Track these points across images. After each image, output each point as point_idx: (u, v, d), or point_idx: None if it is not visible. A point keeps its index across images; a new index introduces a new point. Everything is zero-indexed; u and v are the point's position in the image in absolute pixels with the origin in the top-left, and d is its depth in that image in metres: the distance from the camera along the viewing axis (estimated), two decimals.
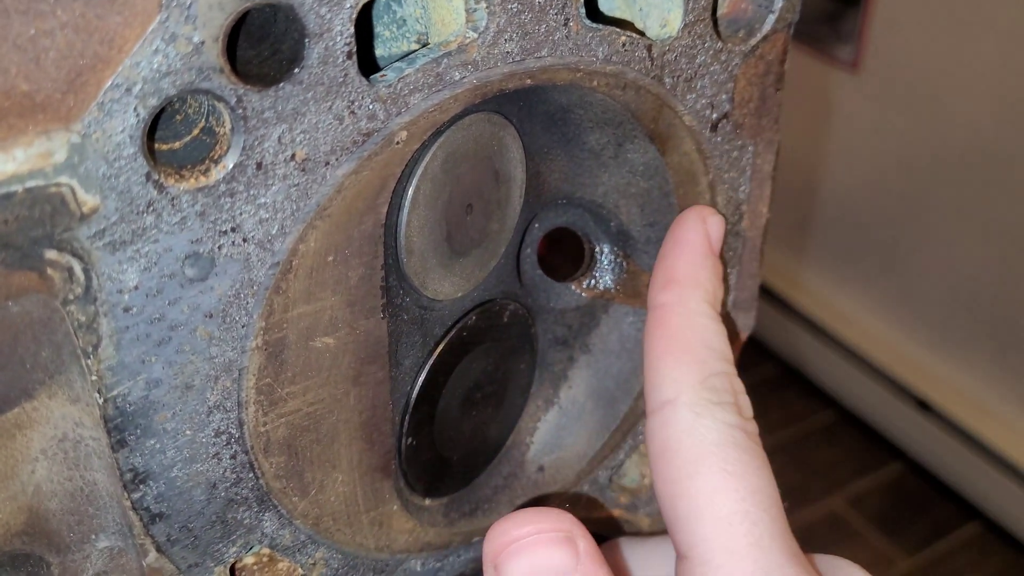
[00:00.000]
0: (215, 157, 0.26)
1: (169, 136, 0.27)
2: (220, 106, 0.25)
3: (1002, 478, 1.90)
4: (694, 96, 0.33)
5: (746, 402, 0.32)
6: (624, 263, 0.38)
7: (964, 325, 1.97)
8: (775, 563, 0.28)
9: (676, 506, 0.29)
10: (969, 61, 1.76)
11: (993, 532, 1.94)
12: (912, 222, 1.97)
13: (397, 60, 0.28)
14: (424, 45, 0.32)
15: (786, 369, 2.21)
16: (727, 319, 0.40)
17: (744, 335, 0.41)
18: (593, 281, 0.38)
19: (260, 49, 0.27)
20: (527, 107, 0.33)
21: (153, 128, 0.25)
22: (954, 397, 2.00)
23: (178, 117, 0.27)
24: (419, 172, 0.30)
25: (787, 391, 2.18)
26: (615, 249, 0.38)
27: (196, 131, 0.27)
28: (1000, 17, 1.70)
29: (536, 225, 0.37)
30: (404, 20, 0.32)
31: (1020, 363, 1.89)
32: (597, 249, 0.38)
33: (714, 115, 0.34)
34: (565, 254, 0.39)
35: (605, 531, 0.42)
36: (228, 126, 0.26)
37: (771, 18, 0.34)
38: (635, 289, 0.38)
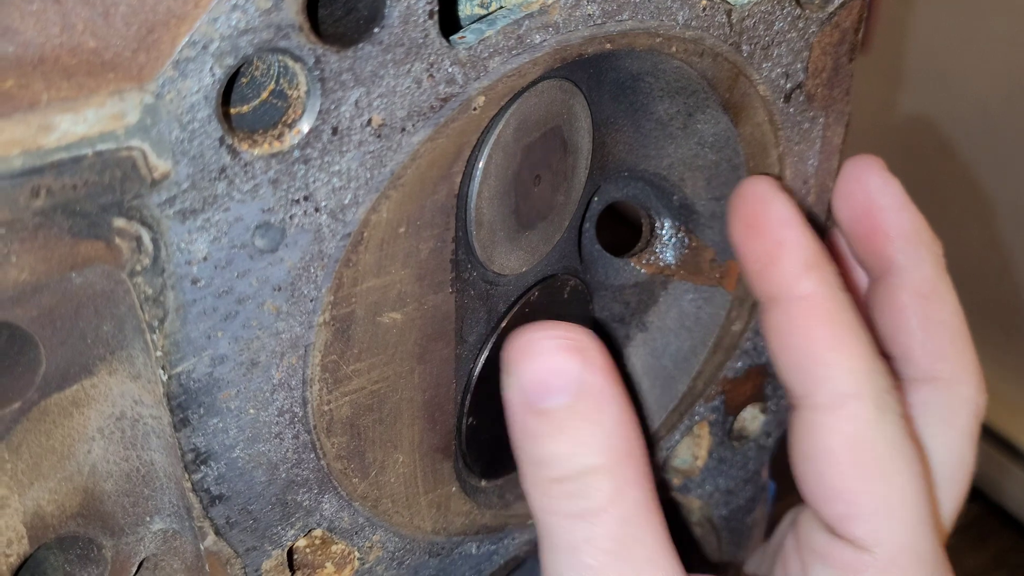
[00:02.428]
0: (288, 121, 0.25)
1: (236, 100, 0.25)
2: (297, 67, 0.24)
3: (1004, 460, 1.90)
4: (770, 64, 0.32)
5: None
6: (686, 238, 0.37)
7: (969, 306, 1.97)
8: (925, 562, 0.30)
9: (859, 502, 0.30)
10: (980, 43, 1.75)
11: (993, 514, 1.93)
12: (916, 202, 1.96)
13: (473, 22, 0.27)
14: (487, 9, 0.30)
15: None
16: None
17: None
18: (653, 257, 0.37)
19: (332, 8, 0.25)
20: (596, 75, 0.32)
21: (227, 90, 0.23)
22: None
23: (244, 80, 0.25)
24: (492, 140, 0.29)
25: None
26: (677, 224, 0.36)
27: (265, 94, 0.25)
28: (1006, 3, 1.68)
29: (596, 199, 0.36)
30: None
31: (1023, 344, 1.88)
32: (658, 224, 0.37)
33: (788, 85, 0.33)
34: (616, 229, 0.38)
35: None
36: (303, 89, 0.24)
37: None
38: (697, 265, 0.37)
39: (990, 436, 1.87)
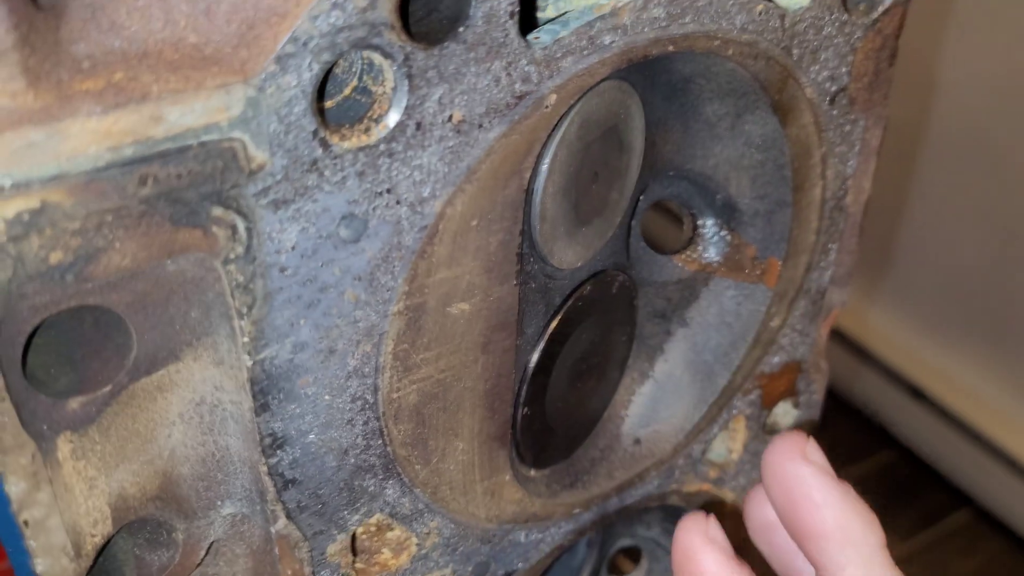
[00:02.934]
0: (375, 116, 0.26)
1: (320, 95, 0.26)
2: (385, 64, 0.25)
3: (993, 466, 1.92)
4: (817, 68, 0.33)
5: None
6: (728, 236, 0.38)
7: (958, 313, 1.99)
8: None
9: None
10: (968, 52, 1.77)
11: (984, 520, 1.95)
12: (907, 209, 1.98)
13: (547, 23, 0.28)
14: (543, 12, 0.31)
15: None
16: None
17: (837, 311, 0.41)
18: (696, 254, 0.38)
19: (414, 7, 0.26)
20: (651, 76, 0.33)
21: (322, 85, 0.24)
22: (947, 385, 2.01)
23: (327, 75, 0.26)
24: (558, 138, 0.30)
25: None
26: (719, 222, 0.38)
27: (348, 90, 0.26)
28: (1000, 8, 1.71)
29: (643, 197, 0.37)
30: None
31: (1014, 351, 1.90)
32: (700, 222, 0.38)
33: (833, 88, 0.34)
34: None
35: (695, 504, 0.42)
36: (390, 85, 0.25)
37: None
38: (738, 263, 0.38)
39: (979, 441, 1.89)
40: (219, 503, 0.30)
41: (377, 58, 0.25)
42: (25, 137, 0.21)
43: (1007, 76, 1.71)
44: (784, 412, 0.43)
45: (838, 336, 2.11)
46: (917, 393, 2.03)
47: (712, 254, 0.38)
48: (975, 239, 1.88)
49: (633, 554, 0.47)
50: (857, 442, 2.18)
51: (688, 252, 0.38)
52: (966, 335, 1.97)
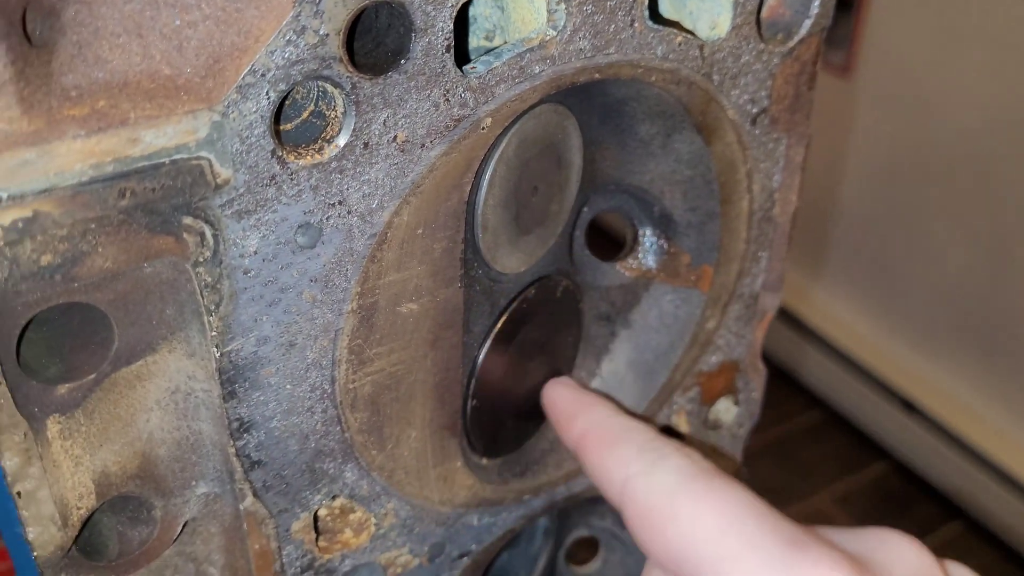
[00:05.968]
0: (327, 137, 0.29)
1: (281, 118, 0.30)
2: (336, 92, 0.28)
3: (984, 478, 1.95)
4: (738, 92, 0.37)
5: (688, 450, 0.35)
6: (666, 245, 0.41)
7: (951, 327, 2.02)
8: (774, 555, 0.31)
9: (669, 548, 0.33)
10: (959, 67, 1.81)
11: (975, 531, 1.98)
12: (900, 225, 2.02)
13: (482, 54, 0.32)
14: (491, 42, 0.35)
15: (774, 369, 2.25)
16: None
17: (771, 314, 0.44)
18: (636, 261, 0.42)
19: (364, 41, 0.30)
20: (587, 99, 0.36)
21: (278, 110, 0.28)
22: (939, 398, 2.04)
23: (287, 101, 0.30)
24: (496, 156, 0.33)
25: (775, 391, 2.21)
26: (657, 232, 0.41)
27: (306, 114, 0.30)
28: (990, 24, 1.74)
29: (586, 208, 0.40)
30: (475, 18, 0.35)
31: (1004, 365, 1.93)
32: (641, 232, 0.41)
33: (754, 110, 0.38)
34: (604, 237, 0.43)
35: None
36: (340, 110, 0.29)
37: (807, 22, 0.37)
38: (675, 269, 0.41)
39: (971, 454, 1.92)
40: (193, 483, 0.34)
41: (328, 87, 0.28)
42: (19, 156, 0.24)
43: (997, 94, 1.75)
44: (725, 409, 0.46)
45: (833, 351, 2.14)
46: (910, 406, 2.06)
47: (651, 261, 0.41)
48: (967, 253, 1.91)
49: (591, 544, 0.51)
50: (850, 455, 2.21)
51: (629, 259, 0.42)
52: (959, 349, 2.01)
